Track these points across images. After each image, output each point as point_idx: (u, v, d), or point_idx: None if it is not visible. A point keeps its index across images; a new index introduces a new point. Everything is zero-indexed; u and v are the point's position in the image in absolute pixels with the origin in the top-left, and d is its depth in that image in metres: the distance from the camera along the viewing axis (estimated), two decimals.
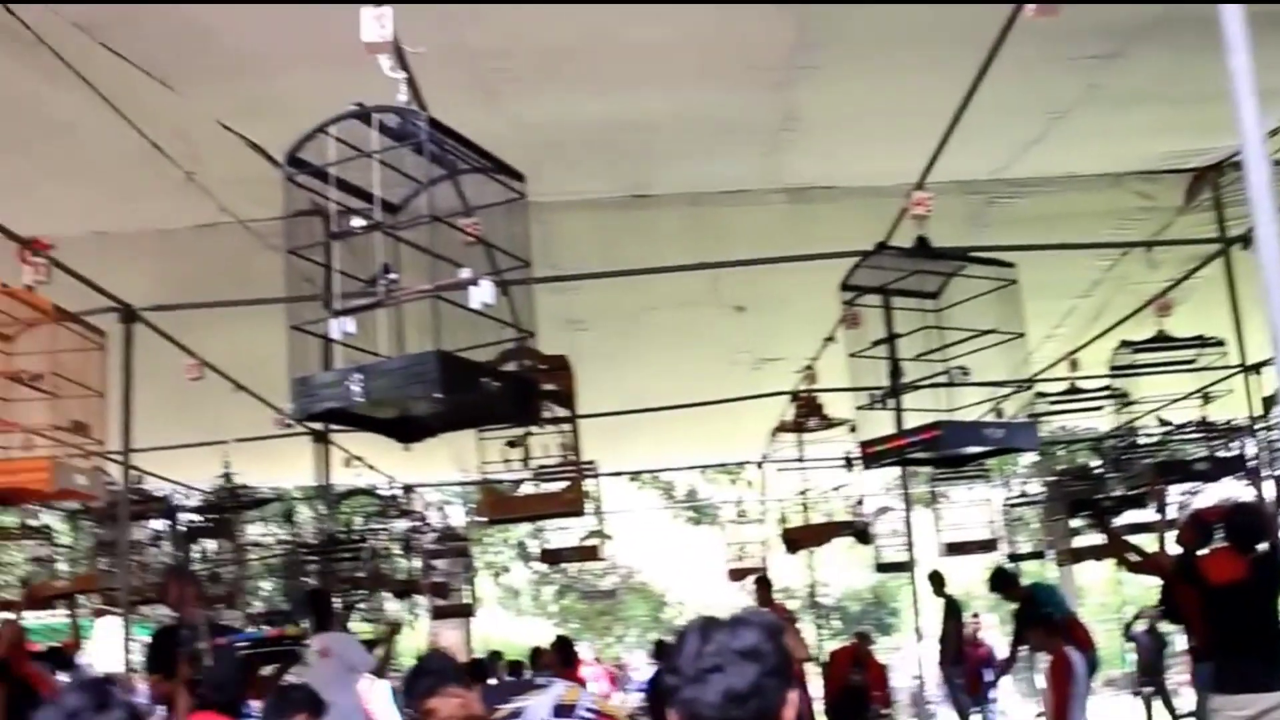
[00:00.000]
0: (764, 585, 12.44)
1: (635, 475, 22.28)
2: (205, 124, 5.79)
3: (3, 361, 5.43)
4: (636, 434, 11.79)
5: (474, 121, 5.40)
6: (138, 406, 6.73)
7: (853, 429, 8.92)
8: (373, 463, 11.88)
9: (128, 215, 6.92)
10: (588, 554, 11.04)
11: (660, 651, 14.76)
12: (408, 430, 3.92)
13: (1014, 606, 12.19)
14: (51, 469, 5.09)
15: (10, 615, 8.73)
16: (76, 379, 5.32)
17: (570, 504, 7.86)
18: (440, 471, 14.14)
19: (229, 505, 7.28)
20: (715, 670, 2.11)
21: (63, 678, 10.10)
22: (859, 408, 6.33)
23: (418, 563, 11.49)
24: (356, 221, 3.56)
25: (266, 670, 6.96)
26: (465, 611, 13.72)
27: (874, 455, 6.15)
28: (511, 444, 7.38)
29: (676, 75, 5.85)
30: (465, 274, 3.62)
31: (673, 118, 6.34)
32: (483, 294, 3.53)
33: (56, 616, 12.64)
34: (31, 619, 11.24)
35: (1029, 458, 12.63)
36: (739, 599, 15.43)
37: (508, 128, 5.89)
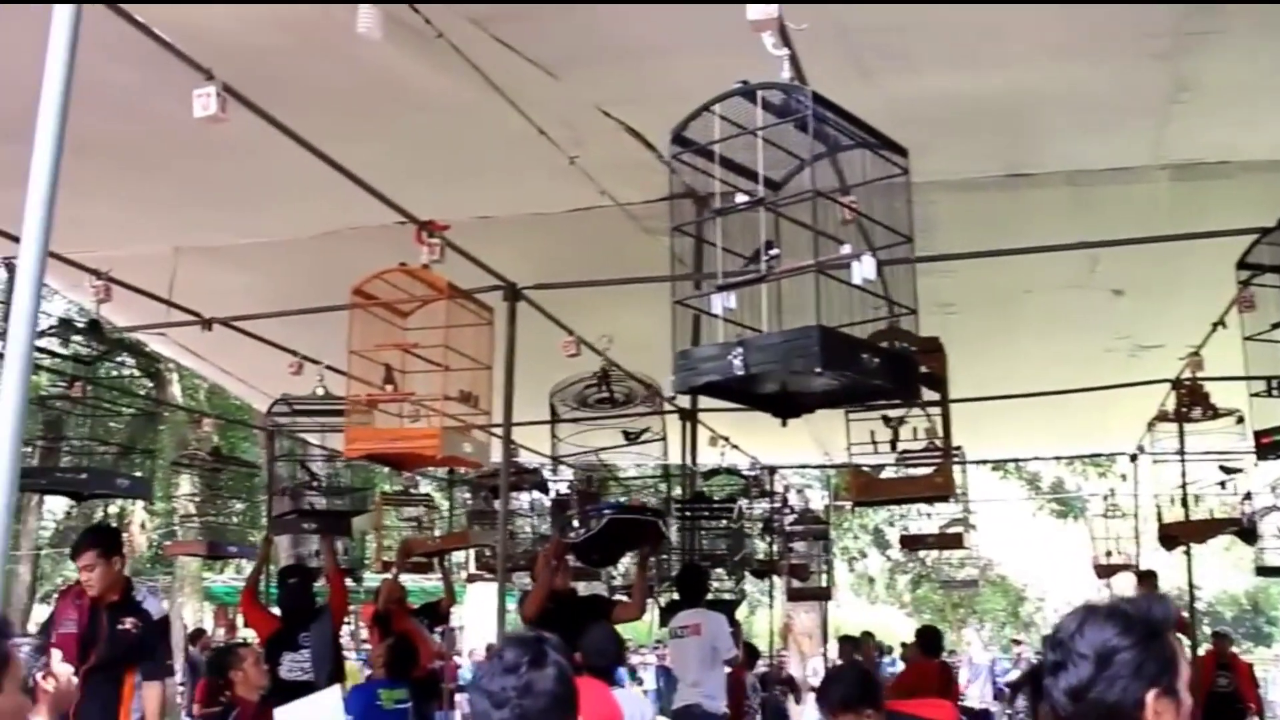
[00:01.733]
0: (1148, 580, 11.82)
1: (999, 464, 21.74)
2: (586, 110, 6.01)
3: (398, 335, 5.85)
4: (1002, 421, 11.50)
5: (849, 99, 5.43)
6: (516, 381, 7.10)
7: (1239, 419, 8.40)
8: (737, 442, 12.05)
9: (511, 200, 7.26)
10: (950, 541, 10.85)
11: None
12: (785, 406, 3.96)
13: None
14: (441, 436, 5.44)
15: (389, 575, 9.41)
16: (466, 352, 5.65)
17: (940, 488, 7.75)
18: (801, 453, 14.22)
19: (592, 489, 7.57)
20: (1064, 664, 2.07)
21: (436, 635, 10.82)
22: (1253, 395, 5.94)
23: (777, 544, 11.57)
24: (740, 198, 3.61)
25: None
26: (822, 595, 13.74)
27: (1271, 446, 5.75)
28: (887, 420, 7.34)
29: (1056, 48, 5.64)
30: (847, 250, 3.62)
31: (1052, 93, 6.12)
32: (865, 270, 3.51)
33: (430, 580, 13.49)
34: (408, 580, 12.09)
35: None
36: (1103, 596, 14.74)
37: (883, 105, 5.82)
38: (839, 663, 13.35)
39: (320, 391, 8.36)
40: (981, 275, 7.77)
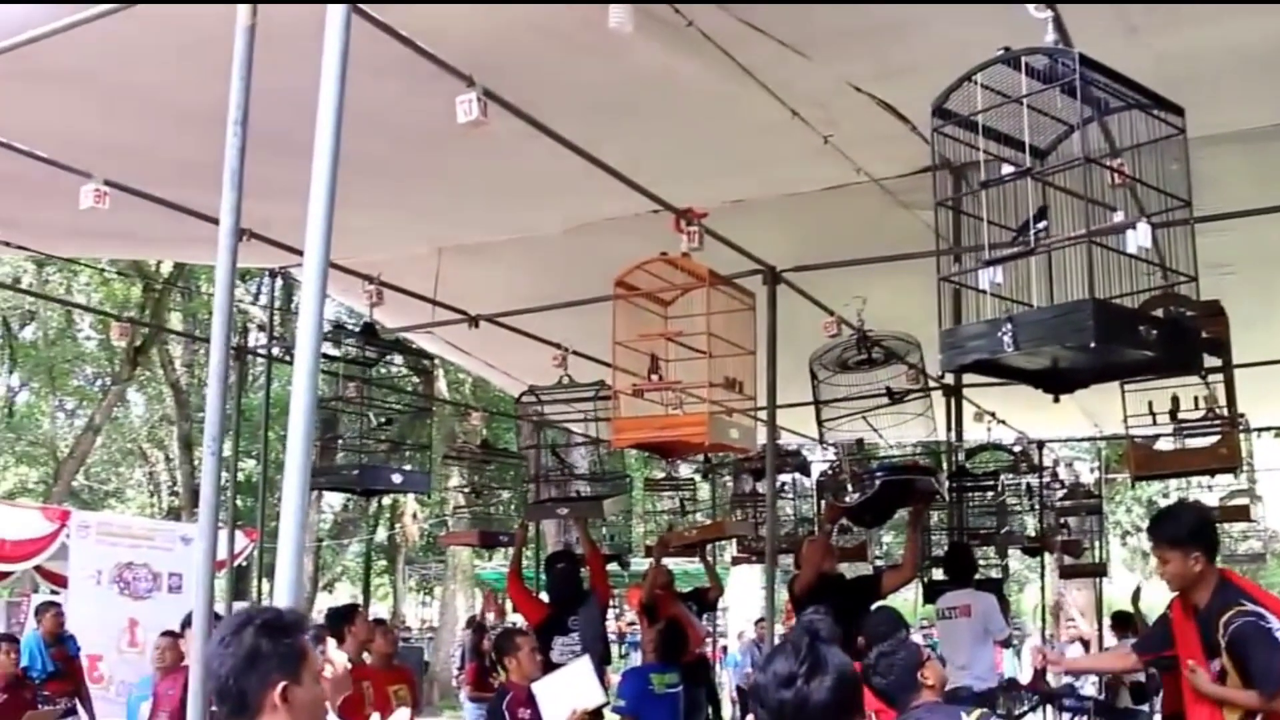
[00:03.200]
0: None
1: None
2: (838, 88, 5.97)
3: (661, 324, 5.95)
4: None
5: (1117, 60, 5.25)
6: (779, 363, 7.12)
7: None
8: (1004, 417, 11.78)
9: (766, 183, 7.29)
10: (1237, 514, 10.34)
11: None
12: (1058, 381, 3.87)
13: None
14: (708, 423, 5.51)
15: (655, 560, 9.56)
16: (729, 338, 5.70)
17: (1225, 459, 7.39)
18: (1070, 426, 13.78)
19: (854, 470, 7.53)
20: None
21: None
22: None
23: (1047, 520, 11.25)
24: (1006, 169, 3.55)
25: None
26: (1097, 571, 13.29)
27: None
28: (1175, 398, 7.10)
29: None
30: (1120, 217, 3.52)
31: None
32: (1140, 238, 3.40)
33: (694, 563, 13.63)
34: (673, 564, 12.26)
35: None
36: None
37: (1151, 62, 5.61)
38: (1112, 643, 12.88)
39: (565, 379, 8.57)
40: (1261, 231, 7.38)
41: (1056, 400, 3.97)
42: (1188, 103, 6.07)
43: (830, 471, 7.93)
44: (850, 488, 7.19)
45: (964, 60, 3.80)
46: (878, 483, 6.98)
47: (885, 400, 7.47)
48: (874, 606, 6.90)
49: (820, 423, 7.76)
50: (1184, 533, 4.60)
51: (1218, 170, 6.76)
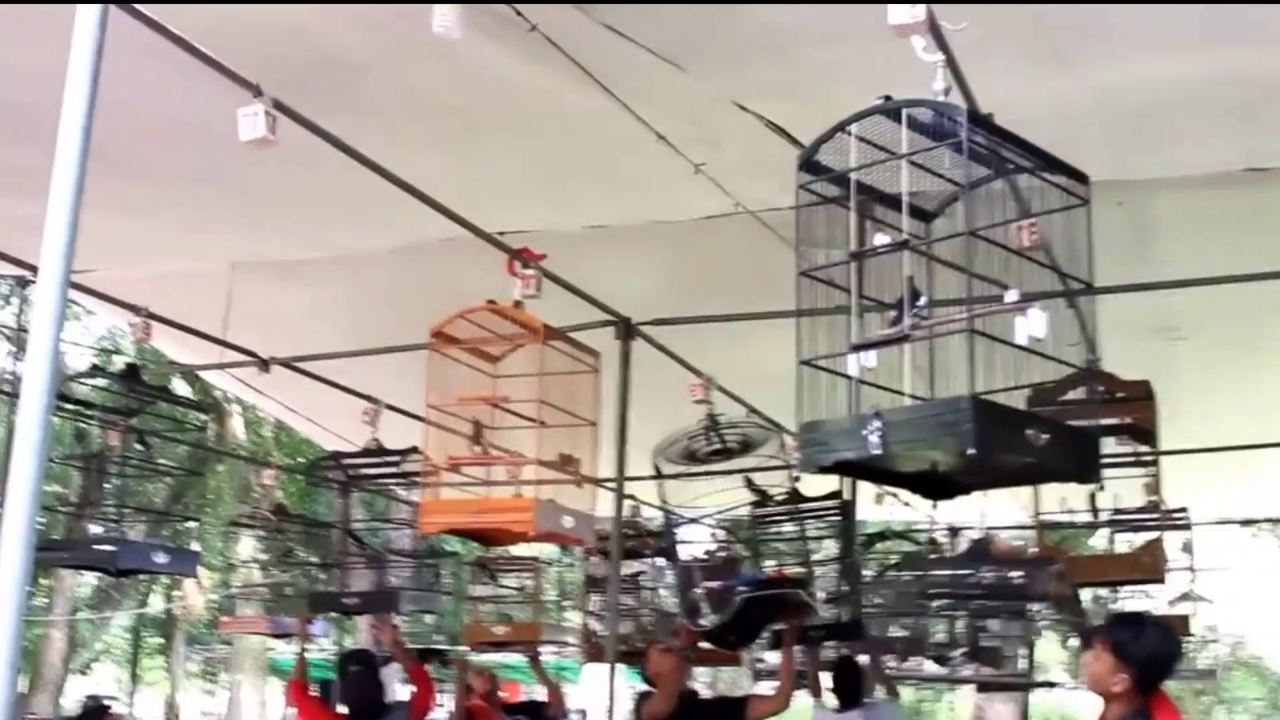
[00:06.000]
0: None
1: (1248, 523, 21.15)
2: (718, 106, 6.13)
3: (487, 385, 6.02)
4: (1252, 471, 11.31)
5: (1048, 92, 5.49)
6: (634, 425, 7.25)
7: None
8: (907, 499, 11.98)
9: (626, 210, 7.43)
10: (1176, 626, 10.66)
11: None
12: (936, 486, 4.02)
13: None
14: (535, 510, 5.60)
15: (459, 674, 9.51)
16: (565, 406, 5.79)
17: (1147, 569, 7.68)
18: (994, 506, 14.04)
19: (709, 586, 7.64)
20: None
21: None
22: None
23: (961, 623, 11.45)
24: (880, 239, 3.71)
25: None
26: (1020, 684, 13.56)
27: None
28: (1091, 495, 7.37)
29: None
30: (1012, 297, 3.69)
31: None
32: (1032, 326, 3.58)
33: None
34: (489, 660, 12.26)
35: None
36: None
37: (1087, 97, 5.88)
38: None
39: (373, 443, 8.60)
40: (1217, 292, 7.68)
41: (935, 507, 4.13)
42: (1129, 141, 6.38)
43: (685, 571, 7.99)
44: (705, 608, 7.23)
45: (857, 86, 3.97)
46: (739, 601, 7.02)
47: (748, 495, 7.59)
48: None
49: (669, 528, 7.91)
50: (1128, 649, 4.79)
51: (1164, 216, 7.08)
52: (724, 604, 7.12)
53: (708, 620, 7.25)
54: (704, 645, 7.97)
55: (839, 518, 8.06)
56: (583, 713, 24.84)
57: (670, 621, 10.24)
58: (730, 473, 7.55)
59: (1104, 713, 4.91)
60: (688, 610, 7.51)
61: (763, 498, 7.61)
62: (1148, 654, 4.86)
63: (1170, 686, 5.08)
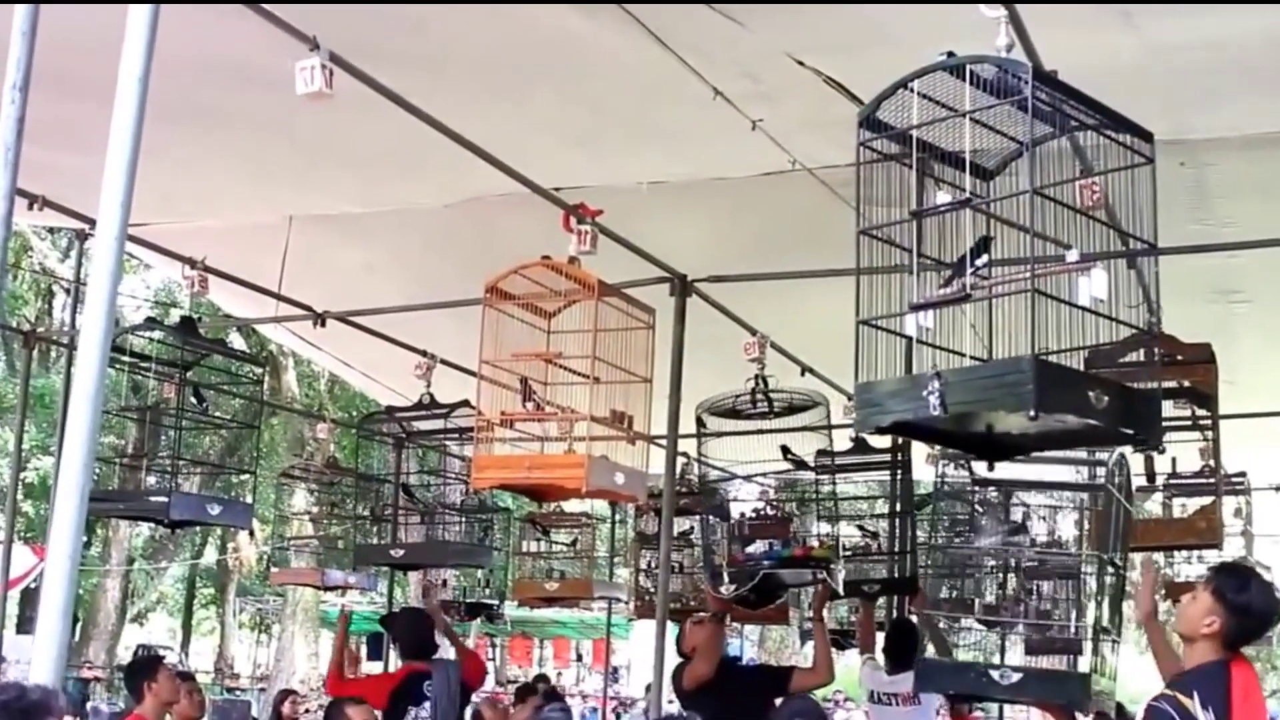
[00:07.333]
0: None
1: None
2: (776, 61, 6.09)
3: (540, 341, 6.01)
4: None
5: (1104, 49, 5.40)
6: (688, 382, 7.22)
7: None
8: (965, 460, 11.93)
9: (684, 167, 7.40)
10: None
11: None
12: (992, 447, 3.99)
13: None
14: (587, 466, 5.60)
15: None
16: (619, 362, 5.78)
17: (1203, 534, 7.59)
18: (1046, 468, 13.93)
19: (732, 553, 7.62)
20: None
21: None
22: None
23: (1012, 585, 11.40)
24: (941, 197, 3.67)
25: None
26: (1068, 648, 13.51)
27: None
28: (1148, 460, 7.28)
29: None
30: (1073, 257, 3.65)
31: None
32: (1094, 287, 3.54)
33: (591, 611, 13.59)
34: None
35: None
36: None
37: (1147, 55, 5.80)
38: None
39: (426, 397, 8.63)
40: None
41: (991, 468, 4.10)
42: (1191, 101, 6.30)
43: (708, 550, 7.97)
44: (725, 576, 7.22)
45: (926, 42, 3.93)
46: (757, 578, 7.00)
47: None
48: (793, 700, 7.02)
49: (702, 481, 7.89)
50: (1229, 597, 4.74)
51: (1226, 178, 7.00)
52: (744, 574, 7.11)
53: (726, 590, 7.22)
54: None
55: (897, 474, 8.09)
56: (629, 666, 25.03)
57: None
58: (779, 431, 7.50)
59: (1186, 657, 4.87)
60: (711, 575, 7.51)
61: (799, 465, 7.56)
62: (1246, 604, 4.79)
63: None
